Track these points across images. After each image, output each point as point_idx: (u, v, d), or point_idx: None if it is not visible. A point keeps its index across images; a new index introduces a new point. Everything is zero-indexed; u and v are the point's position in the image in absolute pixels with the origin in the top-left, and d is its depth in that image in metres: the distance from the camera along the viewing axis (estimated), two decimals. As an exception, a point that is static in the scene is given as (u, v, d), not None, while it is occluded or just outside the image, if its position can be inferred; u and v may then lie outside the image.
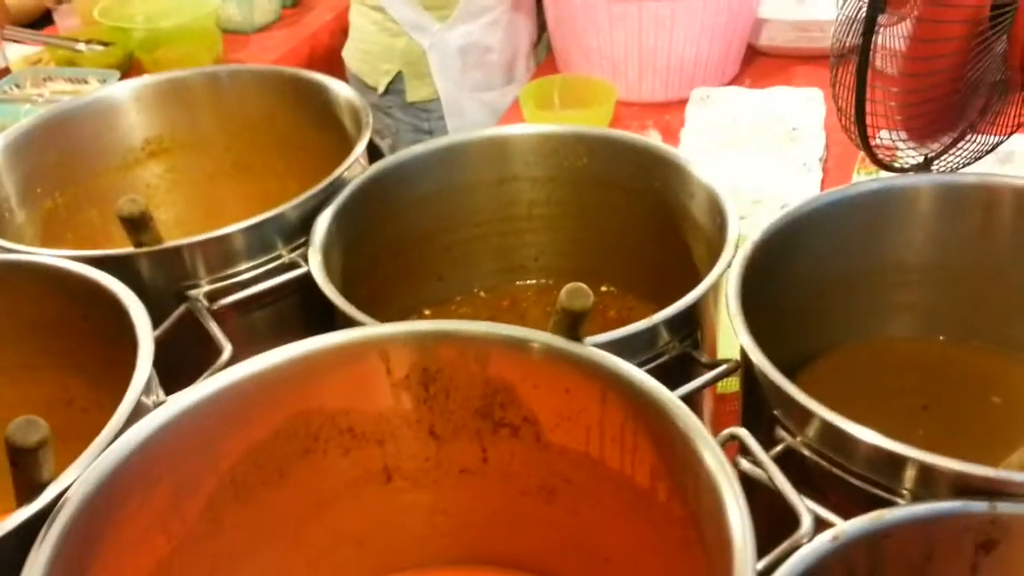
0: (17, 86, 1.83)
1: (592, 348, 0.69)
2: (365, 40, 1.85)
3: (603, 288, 1.07)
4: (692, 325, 0.81)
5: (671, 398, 0.65)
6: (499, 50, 1.84)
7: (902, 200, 0.88)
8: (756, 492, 0.62)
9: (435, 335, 0.72)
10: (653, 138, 1.57)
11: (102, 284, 0.80)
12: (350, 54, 1.91)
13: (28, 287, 0.84)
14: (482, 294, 1.12)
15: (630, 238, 1.06)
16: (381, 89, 1.82)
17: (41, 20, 2.30)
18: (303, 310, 0.95)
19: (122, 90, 1.15)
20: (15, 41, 2.06)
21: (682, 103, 1.65)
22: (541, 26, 1.99)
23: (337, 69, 1.95)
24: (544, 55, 2.04)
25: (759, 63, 1.80)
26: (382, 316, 0.82)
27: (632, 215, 1.04)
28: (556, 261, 1.10)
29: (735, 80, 1.74)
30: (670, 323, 0.79)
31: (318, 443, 0.74)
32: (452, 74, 1.81)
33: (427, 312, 1.09)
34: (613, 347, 0.70)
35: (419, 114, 1.85)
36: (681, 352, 0.81)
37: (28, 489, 0.59)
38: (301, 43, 2.27)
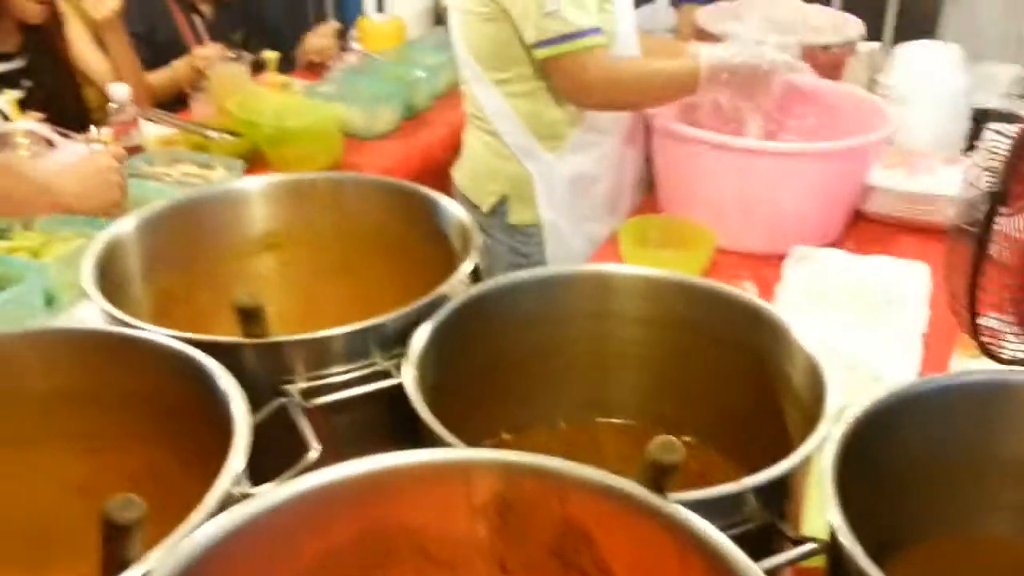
0: (150, 164, 1.95)
1: (676, 505, 0.68)
2: (475, 160, 1.91)
3: (685, 438, 1.06)
4: (781, 496, 0.80)
5: (756, 571, 0.63)
6: (606, 182, 1.89)
7: (1016, 396, 0.85)
8: None
9: (519, 467, 0.72)
10: (749, 290, 1.57)
11: (207, 369, 0.83)
12: (459, 172, 1.98)
13: (139, 362, 0.88)
14: (563, 425, 1.12)
15: (719, 391, 1.05)
16: (485, 209, 1.88)
17: (177, 103, 2.46)
18: (389, 417, 0.96)
19: (252, 184, 1.22)
20: (152, 121, 2.20)
21: (781, 258, 1.65)
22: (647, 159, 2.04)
23: (446, 183, 2.02)
24: (647, 189, 2.08)
25: (863, 227, 1.80)
26: (463, 433, 0.83)
27: (723, 368, 1.04)
28: (641, 403, 1.10)
29: (837, 242, 1.74)
30: (759, 490, 0.77)
31: (391, 559, 0.74)
32: (557, 203, 1.86)
33: (507, 436, 1.10)
34: (697, 507, 0.68)
35: (519, 237, 1.89)
36: (766, 522, 0.79)
37: (115, 565, 0.60)
38: (415, 153, 2.37)
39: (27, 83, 2.24)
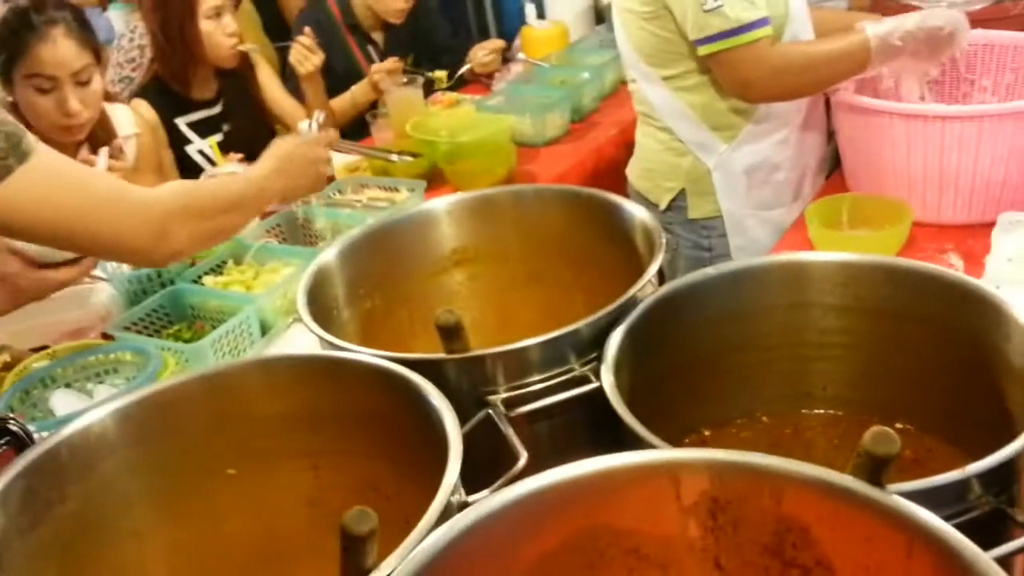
0: (339, 192, 2.06)
1: (897, 497, 0.66)
2: (649, 159, 1.90)
3: (898, 425, 1.02)
4: (1009, 480, 0.75)
5: (987, 561, 0.61)
6: (787, 168, 1.83)
7: None
8: None
9: (729, 465, 0.72)
10: (954, 265, 1.49)
11: (418, 385, 0.87)
12: (634, 172, 1.97)
13: (354, 382, 0.94)
14: (764, 419, 1.10)
15: (931, 375, 1.00)
16: (663, 206, 1.87)
17: (359, 132, 2.59)
18: (588, 422, 0.98)
19: (439, 205, 1.27)
20: (339, 151, 2.33)
21: (985, 226, 1.55)
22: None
23: (620, 183, 2.02)
24: (832, 170, 2.00)
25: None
26: (663, 433, 0.83)
27: (934, 351, 0.99)
28: (846, 392, 1.06)
29: (1049, 203, 1.61)
30: (984, 476, 0.73)
31: (603, 560, 0.75)
32: (736, 193, 1.82)
33: (706, 432, 1.09)
34: (919, 497, 0.66)
35: (700, 231, 1.86)
36: (994, 508, 0.75)
37: (355, 573, 0.65)
38: (587, 156, 2.39)
39: (226, 127, 2.43)
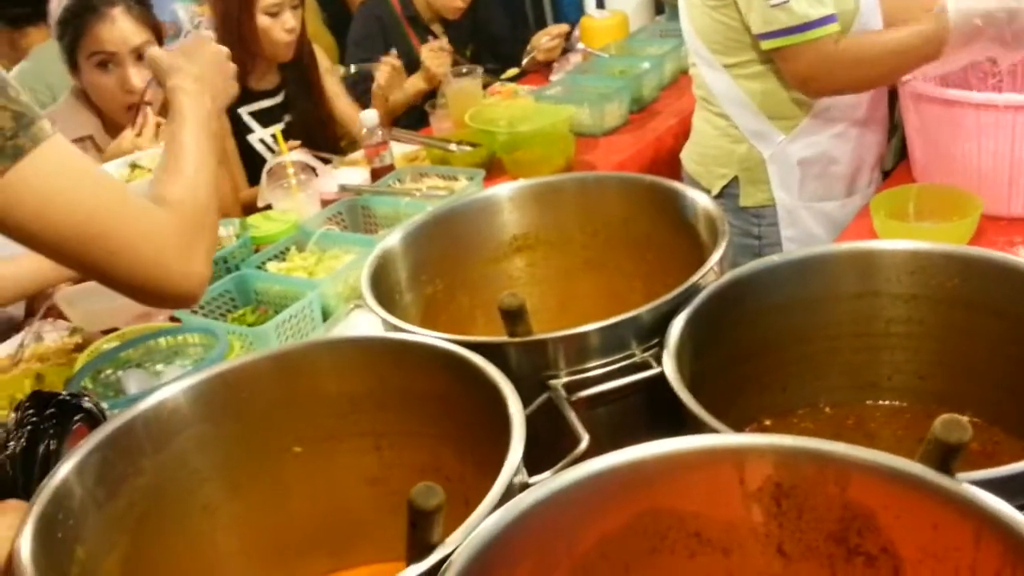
0: (399, 181, 2.09)
1: (967, 485, 0.65)
2: (704, 144, 1.89)
3: (965, 416, 1.00)
4: (1083, 472, 0.74)
5: (1060, 551, 0.60)
6: (845, 162, 1.80)
7: None
8: None
9: (794, 451, 0.71)
10: (1025, 257, 1.45)
11: (481, 367, 0.88)
12: (688, 155, 1.96)
13: (418, 364, 0.95)
14: (827, 409, 1.09)
15: (1000, 367, 0.98)
16: (715, 191, 1.85)
17: (418, 121, 2.62)
18: (648, 408, 0.98)
19: (501, 191, 1.28)
20: (399, 141, 2.35)
21: (1058, 219, 1.51)
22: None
23: (679, 172, 2.01)
24: (891, 164, 1.97)
25: None
26: (723, 421, 0.83)
27: (1004, 342, 0.97)
28: (912, 383, 1.05)
29: (1123, 196, 1.57)
30: (1056, 468, 0.72)
31: (665, 543, 0.76)
32: (791, 184, 1.80)
33: (768, 422, 1.08)
34: (988, 485, 0.65)
35: (750, 219, 1.85)
36: (1066, 500, 0.73)
37: (420, 548, 0.66)
38: (646, 146, 2.38)
39: (287, 117, 2.47)
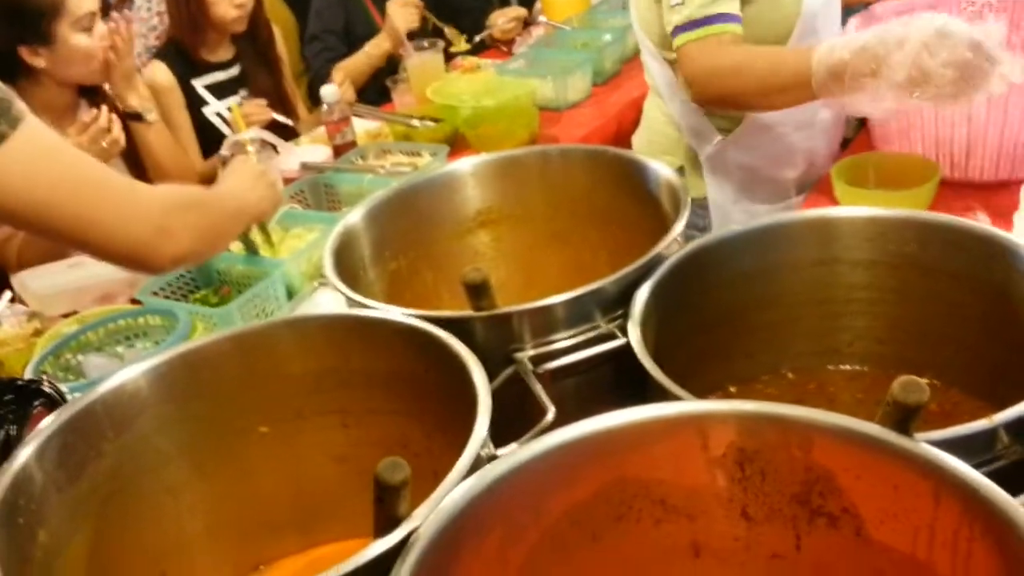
0: (362, 158, 2.07)
1: (926, 445, 0.66)
2: (653, 130, 1.86)
3: (924, 379, 1.01)
4: (1037, 429, 0.75)
5: (1016, 507, 0.61)
6: (786, 168, 1.76)
7: None
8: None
9: (756, 416, 0.72)
10: (982, 222, 1.47)
11: (446, 342, 0.88)
12: (639, 140, 1.93)
13: (382, 341, 0.94)
14: (790, 375, 1.10)
15: (958, 329, 1.00)
16: None
17: (380, 97, 2.59)
18: (613, 379, 0.99)
19: (463, 166, 1.27)
20: (361, 116, 2.33)
21: (1013, 184, 1.53)
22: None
23: (642, 144, 2.01)
24: (852, 133, 1.97)
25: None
26: (689, 389, 0.84)
27: (962, 305, 0.99)
28: (872, 348, 1.06)
29: (1079, 160, 1.59)
30: (1012, 425, 0.74)
31: (631, 511, 0.76)
32: (725, 185, 1.76)
33: (732, 389, 1.09)
34: (946, 446, 0.66)
35: (696, 210, 1.75)
36: (1021, 458, 0.75)
37: (387, 523, 0.66)
38: (609, 120, 2.37)
39: (243, 91, 2.43)
